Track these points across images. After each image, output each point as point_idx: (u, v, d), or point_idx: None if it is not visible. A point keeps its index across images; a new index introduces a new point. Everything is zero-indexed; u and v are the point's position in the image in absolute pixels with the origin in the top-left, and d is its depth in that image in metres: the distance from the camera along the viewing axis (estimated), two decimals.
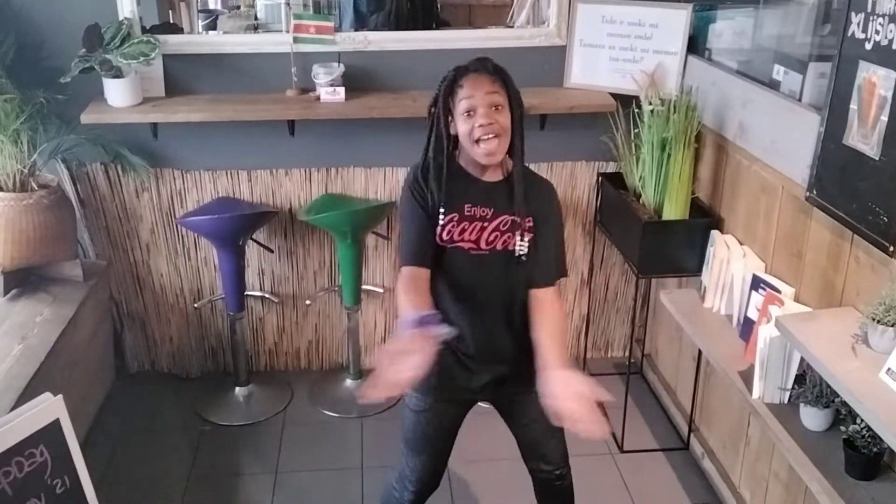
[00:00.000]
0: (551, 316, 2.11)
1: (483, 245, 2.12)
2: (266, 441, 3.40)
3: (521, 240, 2.12)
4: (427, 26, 3.76)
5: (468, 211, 2.12)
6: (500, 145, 2.07)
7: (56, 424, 2.19)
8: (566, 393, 1.85)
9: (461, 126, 2.06)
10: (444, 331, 1.88)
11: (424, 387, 2.26)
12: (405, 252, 2.16)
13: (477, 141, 2.05)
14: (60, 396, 2.21)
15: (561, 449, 2.43)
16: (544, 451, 2.41)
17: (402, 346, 1.80)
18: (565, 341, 2.18)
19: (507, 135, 2.07)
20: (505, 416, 2.39)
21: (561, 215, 2.27)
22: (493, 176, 2.16)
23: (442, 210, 2.12)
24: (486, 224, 2.12)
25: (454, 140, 2.12)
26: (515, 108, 2.09)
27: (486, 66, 2.08)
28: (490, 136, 2.04)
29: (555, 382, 1.89)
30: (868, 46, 2.08)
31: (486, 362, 2.23)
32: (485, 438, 3.30)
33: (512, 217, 2.11)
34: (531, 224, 2.13)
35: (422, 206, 2.14)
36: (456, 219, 2.12)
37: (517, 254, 2.13)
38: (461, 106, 2.05)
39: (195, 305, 3.69)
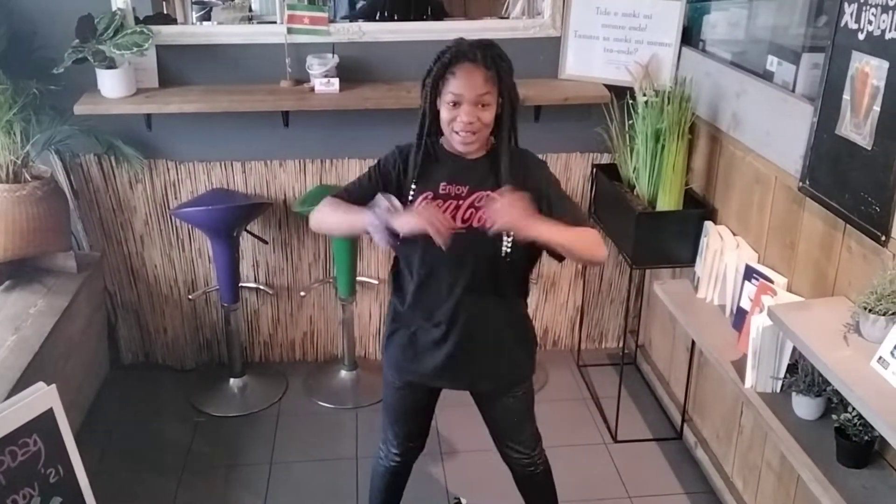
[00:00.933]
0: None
1: (459, 223, 2.09)
2: (261, 432, 3.40)
3: (507, 236, 2.07)
4: (424, 13, 3.74)
5: (443, 189, 2.11)
6: (478, 138, 2.07)
7: (49, 414, 2.19)
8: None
9: (444, 112, 2.07)
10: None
11: (398, 364, 2.31)
12: (344, 193, 2.20)
13: (456, 132, 2.06)
14: (54, 386, 2.21)
15: (532, 434, 2.45)
16: (516, 434, 2.43)
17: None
18: (573, 236, 2.04)
19: (487, 128, 2.07)
20: (475, 396, 2.40)
21: (556, 181, 2.21)
22: (475, 153, 2.14)
23: (413, 186, 2.12)
24: (460, 202, 2.10)
25: (437, 117, 2.11)
26: (506, 103, 2.08)
27: (484, 57, 2.03)
28: (467, 133, 2.05)
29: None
30: (861, 37, 2.08)
31: (464, 344, 2.20)
32: (477, 429, 3.33)
33: (487, 193, 2.07)
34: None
35: (389, 177, 2.15)
36: (430, 197, 2.11)
37: (503, 254, 2.10)
38: (448, 96, 2.04)
39: (189, 297, 3.69)
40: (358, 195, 2.18)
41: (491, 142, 2.16)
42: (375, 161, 2.24)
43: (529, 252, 2.16)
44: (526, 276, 2.29)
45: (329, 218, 2.18)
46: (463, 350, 2.21)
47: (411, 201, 2.13)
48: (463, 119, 2.03)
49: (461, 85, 2.03)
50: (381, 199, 2.10)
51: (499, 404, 2.36)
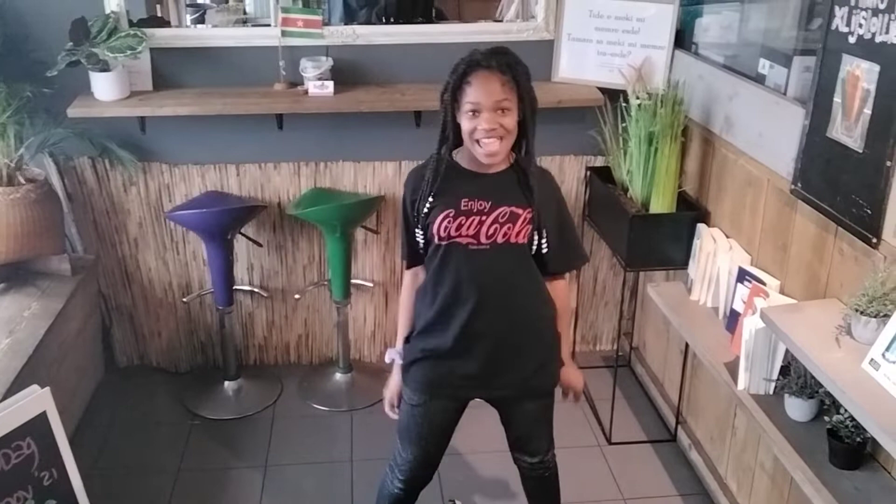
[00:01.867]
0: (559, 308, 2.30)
1: (483, 239, 2.10)
2: (256, 435, 3.40)
3: (539, 237, 2.14)
4: (420, 15, 3.75)
5: (465, 206, 2.11)
6: (503, 146, 2.06)
7: (43, 417, 2.19)
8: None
9: (464, 123, 2.05)
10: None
11: (417, 383, 2.28)
12: (403, 252, 2.30)
13: (478, 141, 2.05)
14: (47, 389, 2.21)
15: (546, 441, 2.45)
16: (531, 443, 2.42)
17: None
18: (568, 333, 2.43)
19: (510, 136, 2.07)
20: (497, 405, 2.38)
21: (565, 202, 2.28)
22: (495, 167, 2.14)
23: (430, 202, 2.13)
24: (484, 217, 2.10)
25: (459, 131, 2.09)
26: (526, 107, 2.07)
27: (499, 63, 2.03)
28: (492, 139, 2.03)
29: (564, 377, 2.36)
30: (851, 40, 2.09)
31: (483, 358, 2.22)
32: (473, 431, 3.33)
33: (511, 208, 2.10)
34: (531, 215, 2.11)
35: (411, 200, 2.18)
36: (452, 214, 2.11)
37: (543, 250, 2.15)
38: (466, 106, 2.03)
39: (184, 300, 3.69)
40: (410, 244, 2.27)
41: (511, 156, 2.16)
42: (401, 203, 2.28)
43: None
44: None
45: (404, 299, 2.39)
46: (487, 360, 2.22)
47: (430, 216, 2.13)
48: (484, 126, 2.01)
49: (478, 93, 2.02)
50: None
51: (521, 409, 2.35)
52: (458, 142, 2.14)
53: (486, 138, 2.03)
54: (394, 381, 2.38)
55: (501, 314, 2.18)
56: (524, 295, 2.19)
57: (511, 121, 2.05)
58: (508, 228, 2.10)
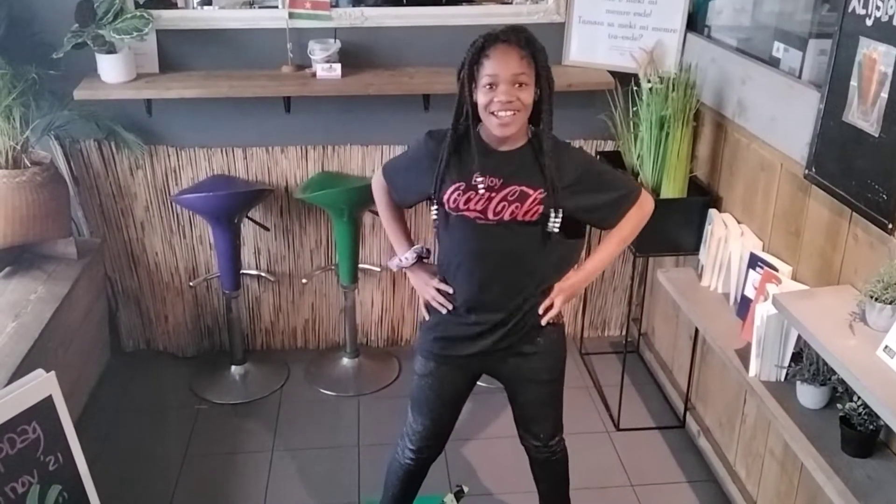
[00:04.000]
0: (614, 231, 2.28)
1: (490, 215, 2.10)
2: (262, 420, 3.39)
3: (555, 216, 2.11)
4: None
5: (476, 180, 2.09)
6: (516, 120, 2.04)
7: (49, 401, 2.18)
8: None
9: (481, 97, 2.04)
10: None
11: (427, 352, 2.31)
12: (391, 174, 2.32)
13: (493, 113, 2.03)
14: (53, 373, 2.20)
15: (553, 425, 2.44)
16: (536, 424, 2.43)
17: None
18: (605, 254, 2.32)
19: (526, 110, 2.05)
20: (504, 381, 2.39)
21: (594, 162, 2.28)
22: (511, 145, 2.13)
23: (447, 176, 2.12)
24: (493, 194, 2.09)
25: (476, 108, 2.08)
26: (543, 83, 2.06)
27: (518, 38, 2.02)
28: (508, 112, 2.01)
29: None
30: (869, 22, 2.05)
31: (489, 329, 2.22)
32: (482, 417, 3.32)
33: (521, 187, 2.08)
34: (543, 195, 2.09)
35: (430, 160, 2.16)
36: (462, 188, 2.10)
37: (549, 230, 2.12)
38: (484, 79, 2.02)
39: (190, 284, 3.68)
40: (397, 183, 2.31)
41: (529, 132, 2.14)
42: (417, 139, 2.24)
43: (574, 229, 2.23)
44: (567, 257, 2.29)
45: (379, 207, 2.41)
46: (491, 334, 2.23)
47: (443, 190, 2.13)
48: (501, 98, 2.00)
49: (496, 65, 2.00)
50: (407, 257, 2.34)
51: (526, 388, 2.36)
52: (469, 120, 2.12)
53: (501, 111, 2.01)
54: (421, 276, 2.33)
55: (506, 289, 2.19)
56: (529, 272, 2.19)
57: (528, 96, 2.03)
58: (517, 207, 2.09)
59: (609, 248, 2.30)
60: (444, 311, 2.26)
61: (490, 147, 2.13)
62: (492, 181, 2.09)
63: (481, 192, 2.08)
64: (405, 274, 2.43)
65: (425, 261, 2.36)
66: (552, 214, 2.11)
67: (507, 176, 2.09)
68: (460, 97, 2.09)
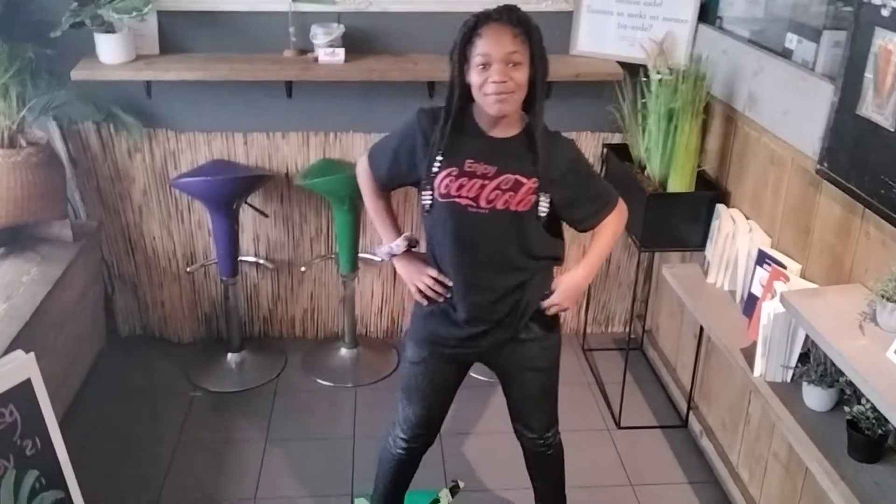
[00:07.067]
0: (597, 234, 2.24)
1: (483, 203, 2.05)
2: (257, 408, 3.35)
3: (544, 199, 2.06)
4: None
5: (469, 167, 2.05)
6: (512, 101, 1.99)
7: (27, 384, 2.12)
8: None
9: (474, 77, 1.99)
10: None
11: (419, 339, 2.28)
12: (376, 155, 2.24)
13: (487, 94, 1.98)
14: (32, 355, 2.14)
15: (547, 418, 2.41)
16: (529, 417, 2.40)
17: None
18: (600, 249, 2.26)
19: (521, 91, 2.00)
20: (498, 370, 2.35)
21: (582, 157, 2.21)
22: (506, 131, 2.08)
23: (439, 159, 2.07)
24: (486, 182, 2.05)
25: (469, 89, 2.03)
26: (538, 64, 2.00)
27: (510, 16, 1.97)
28: (502, 93, 1.96)
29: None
30: (885, 13, 2.00)
31: (479, 318, 2.19)
32: (477, 412, 3.28)
33: (516, 176, 2.04)
34: (537, 185, 2.05)
35: (421, 139, 2.10)
36: (454, 173, 2.06)
37: (539, 214, 2.07)
38: (477, 59, 1.97)
39: (188, 269, 3.63)
40: (381, 159, 2.23)
41: (523, 119, 2.09)
42: (407, 118, 2.18)
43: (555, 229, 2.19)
44: (555, 244, 2.23)
45: (364, 195, 2.32)
46: (480, 323, 2.19)
47: (435, 174, 2.08)
48: (494, 78, 1.95)
49: (489, 44, 1.95)
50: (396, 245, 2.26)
51: (520, 379, 2.32)
52: (463, 102, 2.07)
53: (495, 92, 1.96)
54: (413, 264, 2.26)
55: (496, 279, 2.14)
56: (520, 262, 2.14)
57: (522, 76, 1.98)
58: (510, 196, 2.05)
59: (606, 239, 2.24)
60: (440, 300, 2.20)
61: (484, 132, 2.08)
62: (486, 168, 2.05)
63: (476, 178, 2.04)
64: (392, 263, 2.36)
65: (414, 249, 2.30)
66: (544, 200, 2.07)
67: (502, 164, 2.05)
68: (452, 78, 2.04)
